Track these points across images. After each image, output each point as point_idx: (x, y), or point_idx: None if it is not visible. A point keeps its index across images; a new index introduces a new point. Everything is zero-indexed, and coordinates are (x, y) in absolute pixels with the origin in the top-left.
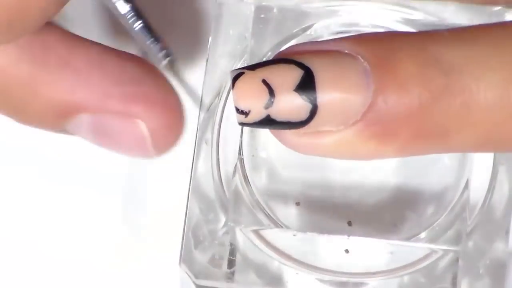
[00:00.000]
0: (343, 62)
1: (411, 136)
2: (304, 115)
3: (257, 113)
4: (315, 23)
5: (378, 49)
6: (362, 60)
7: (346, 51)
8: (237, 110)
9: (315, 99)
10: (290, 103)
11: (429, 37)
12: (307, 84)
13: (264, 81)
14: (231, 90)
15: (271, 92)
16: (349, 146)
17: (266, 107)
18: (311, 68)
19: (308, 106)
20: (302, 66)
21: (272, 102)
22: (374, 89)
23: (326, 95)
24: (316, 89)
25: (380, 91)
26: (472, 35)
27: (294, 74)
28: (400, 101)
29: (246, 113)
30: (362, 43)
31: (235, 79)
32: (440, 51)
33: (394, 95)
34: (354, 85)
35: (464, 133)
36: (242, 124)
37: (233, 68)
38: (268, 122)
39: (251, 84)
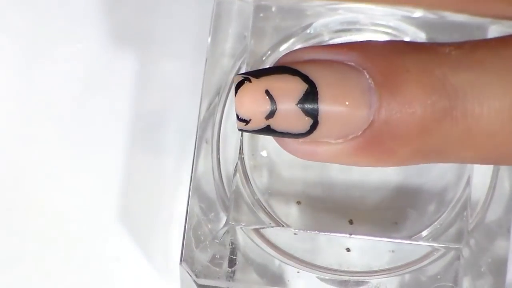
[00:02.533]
0: (348, 77)
1: (409, 154)
2: (304, 128)
3: (258, 123)
4: (314, 22)
5: (385, 67)
6: (368, 76)
7: (352, 64)
8: (238, 117)
9: (317, 115)
10: (291, 117)
11: (436, 58)
12: (310, 99)
13: (267, 92)
14: (234, 97)
15: (273, 103)
16: (347, 157)
17: (267, 118)
18: (315, 82)
19: (309, 121)
20: (307, 79)
21: (273, 113)
22: (377, 108)
23: (328, 111)
24: (319, 105)
25: (383, 110)
26: (479, 57)
27: (297, 88)
28: (402, 122)
29: (246, 121)
30: (369, 58)
31: (238, 85)
32: (445, 74)
33: (396, 116)
34: (357, 102)
35: (463, 153)
36: (242, 130)
37: (236, 72)
38: (268, 131)
39: (254, 93)
